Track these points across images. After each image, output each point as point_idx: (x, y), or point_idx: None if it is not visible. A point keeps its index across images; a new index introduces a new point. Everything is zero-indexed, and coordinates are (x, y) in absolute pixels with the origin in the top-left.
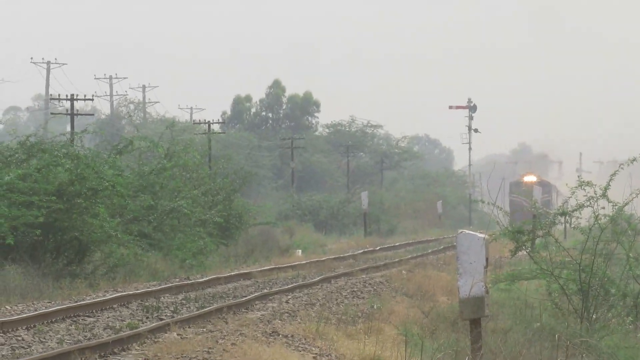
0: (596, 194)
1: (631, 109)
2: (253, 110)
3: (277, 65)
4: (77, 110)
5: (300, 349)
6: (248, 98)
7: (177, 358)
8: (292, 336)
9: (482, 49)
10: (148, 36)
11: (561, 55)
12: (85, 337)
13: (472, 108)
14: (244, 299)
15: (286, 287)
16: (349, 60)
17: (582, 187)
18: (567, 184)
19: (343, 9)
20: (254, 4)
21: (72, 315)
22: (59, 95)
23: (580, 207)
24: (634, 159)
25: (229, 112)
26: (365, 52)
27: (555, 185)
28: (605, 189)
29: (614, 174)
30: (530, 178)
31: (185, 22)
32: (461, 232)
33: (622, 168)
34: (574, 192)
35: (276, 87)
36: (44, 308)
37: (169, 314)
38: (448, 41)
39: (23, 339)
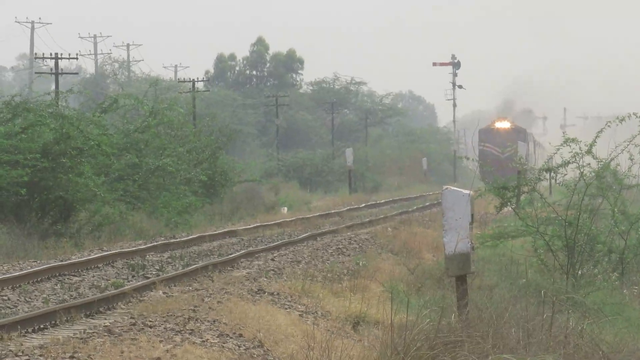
0: (581, 151)
1: (616, 64)
2: (237, 68)
3: (262, 24)
4: (62, 70)
5: (286, 306)
6: (232, 57)
7: (163, 316)
8: (277, 294)
9: (468, 6)
10: None
11: (547, 14)
12: (71, 296)
13: (456, 65)
14: (229, 257)
15: (272, 244)
16: (332, 18)
17: (568, 144)
18: (550, 143)
19: None
20: None
21: (57, 274)
22: (43, 54)
23: (566, 163)
24: (623, 118)
25: (212, 71)
26: (349, 10)
27: (532, 132)
28: (591, 145)
29: (600, 131)
30: (502, 124)
31: None
32: (446, 189)
33: (608, 126)
34: (559, 149)
35: (260, 45)
36: (29, 267)
37: (154, 273)
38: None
39: (9, 299)
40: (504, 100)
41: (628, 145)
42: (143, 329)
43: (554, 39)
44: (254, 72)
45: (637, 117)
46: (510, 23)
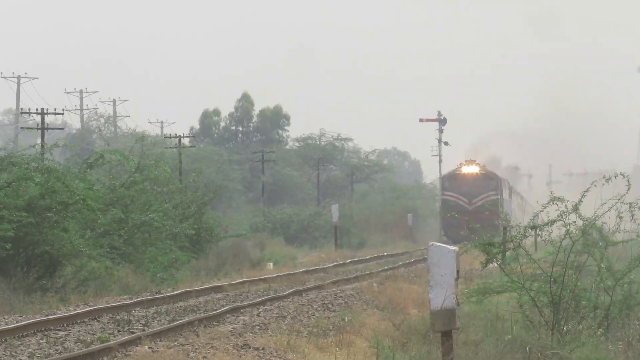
0: (567, 209)
1: (599, 122)
2: (222, 124)
3: (246, 81)
4: (48, 125)
5: None
6: (216, 112)
7: None
8: (263, 349)
9: (453, 64)
10: (119, 51)
11: (527, 72)
12: (57, 350)
13: (442, 121)
14: (215, 312)
15: (257, 300)
16: (318, 75)
17: (554, 202)
18: (537, 201)
19: (311, 23)
20: (220, 26)
21: (43, 329)
22: (29, 109)
23: (552, 222)
24: (609, 178)
25: (197, 127)
26: (335, 66)
27: (508, 179)
28: (577, 205)
29: (586, 191)
30: (470, 169)
31: (154, 39)
32: (432, 245)
33: (594, 185)
34: (545, 207)
35: (245, 101)
36: (15, 322)
37: (140, 328)
38: (418, 55)
39: None
40: (490, 157)
41: (615, 204)
42: None
43: (542, 97)
44: (240, 128)
45: (623, 177)
46: (498, 80)
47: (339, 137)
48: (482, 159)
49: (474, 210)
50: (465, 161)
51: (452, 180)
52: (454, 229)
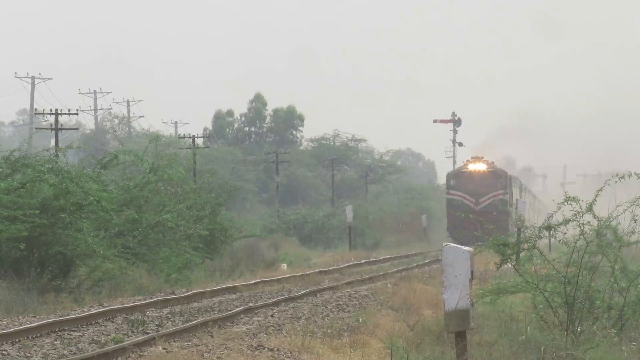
0: (582, 209)
1: (614, 122)
2: (235, 125)
3: (259, 81)
4: (62, 125)
5: None
6: (230, 113)
7: None
8: (277, 350)
9: (468, 65)
10: (132, 52)
11: (541, 71)
12: (71, 351)
13: (457, 122)
14: (229, 312)
15: (272, 300)
16: (330, 75)
17: (569, 202)
18: (553, 200)
19: (325, 26)
20: (231, 27)
21: (57, 329)
22: (43, 110)
23: (566, 222)
24: (622, 176)
25: (210, 128)
26: (349, 68)
27: (519, 177)
28: (591, 205)
29: (600, 190)
30: (477, 166)
31: (166, 40)
32: (446, 245)
33: (608, 184)
34: (560, 207)
35: (258, 102)
36: (29, 323)
37: (154, 328)
38: (432, 55)
39: (8, 354)
40: (504, 157)
41: (631, 205)
42: None
43: (551, 98)
44: (253, 129)
45: (638, 177)
46: (511, 81)
47: (353, 138)
48: (495, 159)
49: (480, 211)
50: (472, 158)
51: (457, 178)
52: (459, 230)
